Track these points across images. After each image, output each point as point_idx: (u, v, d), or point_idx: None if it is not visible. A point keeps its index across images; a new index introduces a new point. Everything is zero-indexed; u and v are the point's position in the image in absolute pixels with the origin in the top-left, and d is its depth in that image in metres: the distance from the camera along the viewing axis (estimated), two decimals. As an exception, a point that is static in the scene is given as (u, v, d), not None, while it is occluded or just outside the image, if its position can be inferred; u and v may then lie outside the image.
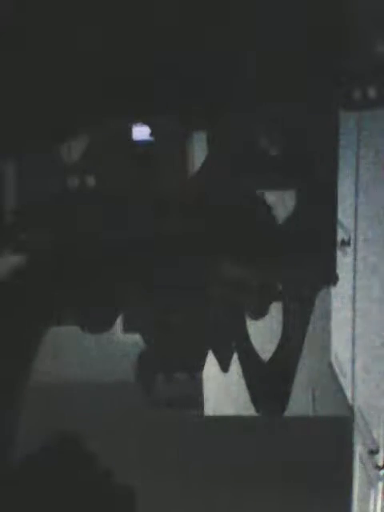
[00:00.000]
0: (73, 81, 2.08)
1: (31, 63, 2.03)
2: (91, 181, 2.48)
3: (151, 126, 2.37)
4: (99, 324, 2.66)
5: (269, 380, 2.63)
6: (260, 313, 2.49)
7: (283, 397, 2.59)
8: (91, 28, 2.03)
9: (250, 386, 2.59)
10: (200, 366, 2.67)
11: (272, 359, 2.57)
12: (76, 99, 2.10)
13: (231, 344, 2.62)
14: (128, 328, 2.84)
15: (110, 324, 2.63)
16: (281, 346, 2.54)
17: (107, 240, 2.41)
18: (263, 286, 2.42)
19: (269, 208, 2.41)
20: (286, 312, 2.49)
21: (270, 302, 2.47)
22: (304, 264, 2.39)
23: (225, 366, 2.69)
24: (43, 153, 2.35)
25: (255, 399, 2.60)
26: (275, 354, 2.56)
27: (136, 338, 2.72)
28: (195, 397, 5.67)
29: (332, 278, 2.48)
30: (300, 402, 5.22)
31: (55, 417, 5.73)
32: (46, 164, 2.50)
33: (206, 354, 2.64)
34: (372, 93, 2.11)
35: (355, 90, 2.15)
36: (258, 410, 2.63)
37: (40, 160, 2.45)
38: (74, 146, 2.45)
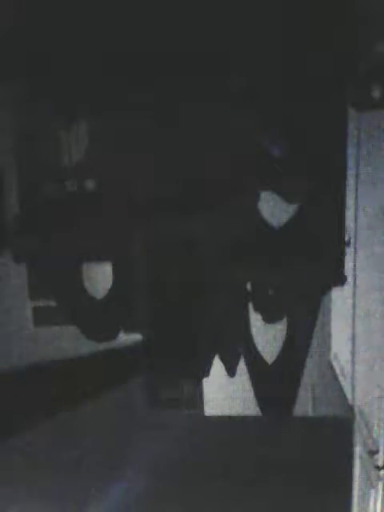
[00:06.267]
0: None
1: None
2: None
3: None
4: (104, 334, 2.67)
5: (275, 383, 2.63)
6: (276, 317, 2.50)
7: (289, 399, 2.60)
8: None
9: (257, 389, 2.59)
10: (206, 371, 2.67)
11: (277, 362, 2.57)
12: None
13: (238, 349, 2.62)
14: (130, 328, 2.85)
15: (114, 334, 2.64)
16: (286, 349, 2.54)
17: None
18: (280, 290, 2.43)
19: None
20: (292, 314, 2.49)
21: (287, 306, 2.48)
22: (313, 265, 2.40)
23: (231, 371, 2.70)
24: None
25: (261, 403, 2.61)
26: (281, 356, 2.56)
27: (137, 337, 2.72)
28: (195, 397, 5.67)
29: (340, 279, 2.48)
30: (300, 402, 5.21)
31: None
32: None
33: (213, 359, 2.64)
34: (377, 93, 2.12)
35: (365, 90, 2.17)
36: (264, 413, 2.63)
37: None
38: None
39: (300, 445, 5.22)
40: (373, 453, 3.71)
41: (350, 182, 4.05)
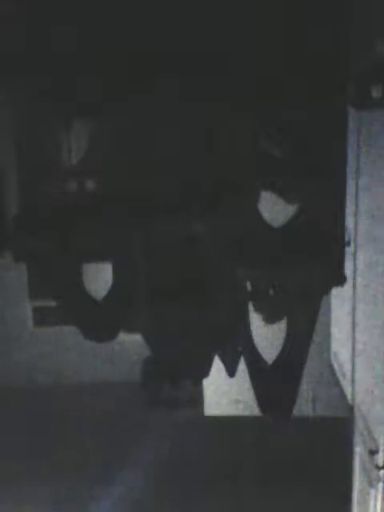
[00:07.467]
0: None
1: None
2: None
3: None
4: (104, 334, 2.68)
5: (275, 383, 2.64)
6: (276, 317, 2.51)
7: (290, 400, 2.61)
8: None
9: (257, 389, 2.60)
10: (206, 372, 2.68)
11: (277, 362, 2.58)
12: None
13: (237, 349, 2.63)
14: (130, 328, 2.86)
15: (114, 334, 2.65)
16: (286, 349, 2.55)
17: None
18: (279, 290, 2.44)
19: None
20: (292, 314, 2.50)
21: (287, 306, 2.49)
22: (313, 265, 2.41)
23: (231, 371, 2.70)
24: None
25: (261, 403, 2.62)
26: (281, 357, 2.57)
27: (137, 337, 2.72)
28: (195, 397, 5.67)
29: (340, 279, 2.50)
30: (300, 402, 5.21)
31: (56, 416, 5.74)
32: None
33: (212, 359, 2.65)
34: (377, 92, 2.13)
35: (365, 90, 2.18)
36: (264, 413, 2.64)
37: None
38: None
39: (300, 445, 5.22)
40: (373, 453, 3.71)
41: (350, 182, 4.05)
